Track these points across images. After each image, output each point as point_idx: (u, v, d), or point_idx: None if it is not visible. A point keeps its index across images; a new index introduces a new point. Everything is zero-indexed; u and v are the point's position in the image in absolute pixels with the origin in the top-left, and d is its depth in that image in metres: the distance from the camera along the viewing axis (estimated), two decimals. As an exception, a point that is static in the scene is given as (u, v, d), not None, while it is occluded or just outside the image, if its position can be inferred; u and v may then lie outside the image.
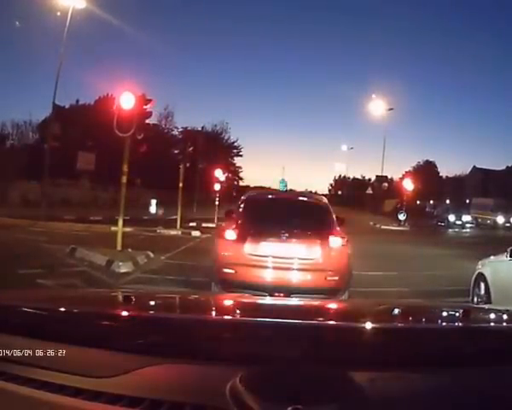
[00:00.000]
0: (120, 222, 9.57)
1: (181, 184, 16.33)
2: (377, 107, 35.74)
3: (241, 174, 58.00)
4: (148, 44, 64.16)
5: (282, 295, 4.76)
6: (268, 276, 5.46)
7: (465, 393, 0.99)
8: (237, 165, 56.57)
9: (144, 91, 9.83)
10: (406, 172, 55.81)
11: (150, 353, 1.06)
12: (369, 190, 39.91)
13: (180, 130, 48.61)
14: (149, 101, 9.50)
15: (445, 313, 1.82)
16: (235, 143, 54.27)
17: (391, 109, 35.06)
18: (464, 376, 1.04)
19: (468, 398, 0.97)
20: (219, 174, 22.76)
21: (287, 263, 5.48)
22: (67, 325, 1.17)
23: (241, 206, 6.16)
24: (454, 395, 0.98)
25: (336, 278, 5.44)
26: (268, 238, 5.56)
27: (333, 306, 2.11)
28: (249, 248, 5.51)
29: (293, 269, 5.50)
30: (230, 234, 5.64)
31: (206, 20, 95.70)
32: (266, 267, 5.48)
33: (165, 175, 28.35)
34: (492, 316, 1.73)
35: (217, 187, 22.46)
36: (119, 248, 9.37)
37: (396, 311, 1.71)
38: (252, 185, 60.87)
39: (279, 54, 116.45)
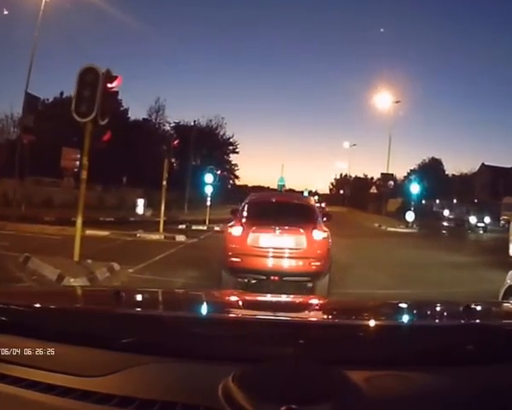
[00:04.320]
0: (79, 225, 7.88)
1: (164, 182, 14.63)
2: (382, 101, 34.28)
3: (237, 172, 55.24)
4: (139, 35, 62.69)
5: (276, 278, 6.57)
6: (266, 263, 6.69)
7: (465, 392, 0.96)
8: (233, 162, 53.78)
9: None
10: (411, 170, 54.32)
11: (141, 351, 1.05)
12: (374, 190, 38.20)
13: (172, 125, 46.66)
14: (115, 78, 7.75)
15: (445, 310, 1.71)
16: (231, 139, 51.56)
17: (398, 102, 33.43)
18: (464, 374, 1.01)
19: (468, 397, 0.95)
20: (210, 179, 21.57)
21: (280, 252, 6.72)
22: (56, 323, 1.15)
23: (245, 207, 7.44)
24: (454, 393, 0.95)
25: (319, 263, 6.65)
26: (266, 233, 6.77)
27: (329, 303, 2.06)
28: (251, 240, 6.72)
29: (285, 257, 6.73)
30: (236, 230, 6.84)
31: (201, 10, 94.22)
32: (264, 256, 6.69)
33: (155, 173, 26.69)
34: (494, 312, 1.70)
35: (208, 190, 21.31)
36: (76, 258, 7.72)
37: (394, 308, 1.71)
38: (250, 185, 59.24)
39: (278, 47, 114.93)
